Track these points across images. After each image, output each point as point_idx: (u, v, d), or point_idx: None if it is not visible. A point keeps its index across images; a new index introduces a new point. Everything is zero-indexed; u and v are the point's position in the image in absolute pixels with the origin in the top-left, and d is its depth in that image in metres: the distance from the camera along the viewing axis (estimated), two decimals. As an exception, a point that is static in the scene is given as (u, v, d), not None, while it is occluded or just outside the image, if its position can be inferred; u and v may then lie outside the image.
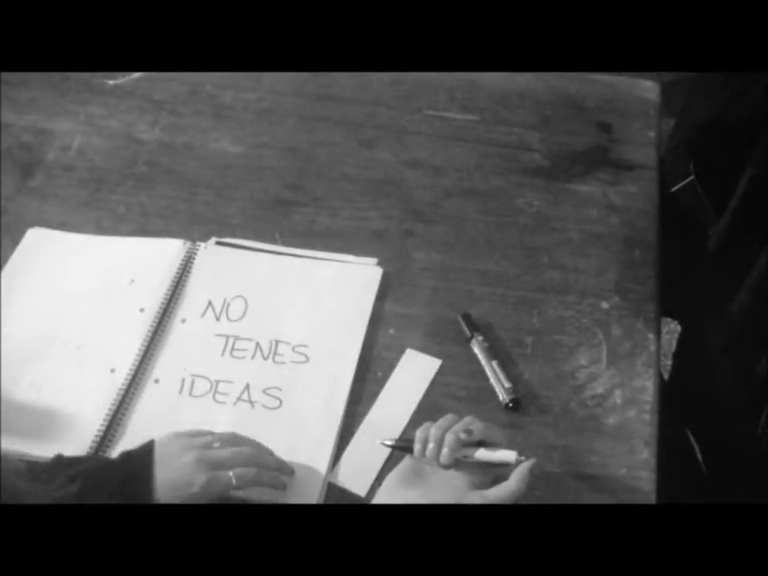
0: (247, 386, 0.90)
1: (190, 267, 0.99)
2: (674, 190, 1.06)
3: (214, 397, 0.89)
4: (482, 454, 0.77)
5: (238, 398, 0.89)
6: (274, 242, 1.02)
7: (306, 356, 0.92)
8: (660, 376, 0.93)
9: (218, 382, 0.90)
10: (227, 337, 0.94)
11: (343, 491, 0.84)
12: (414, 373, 0.91)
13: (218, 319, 0.95)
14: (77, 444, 0.85)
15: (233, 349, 0.93)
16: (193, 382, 0.90)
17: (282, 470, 0.82)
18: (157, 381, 0.90)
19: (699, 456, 1.13)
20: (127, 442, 0.86)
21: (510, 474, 0.75)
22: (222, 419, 0.87)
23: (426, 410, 0.88)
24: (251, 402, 0.89)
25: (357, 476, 0.84)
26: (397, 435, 0.86)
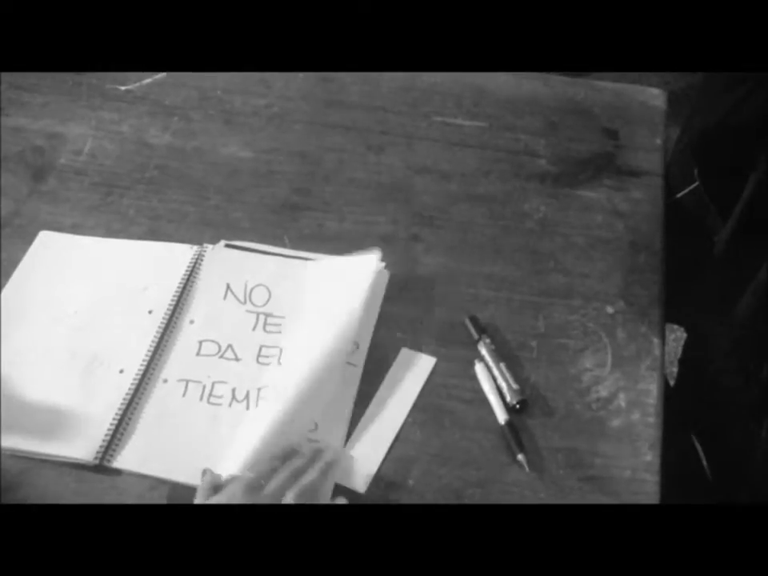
0: (253, 387, 0.91)
1: (198, 269, 1.00)
2: (679, 195, 1.06)
3: (220, 397, 0.90)
4: None
5: (244, 399, 0.90)
6: (282, 245, 1.03)
7: (312, 358, 0.93)
8: (665, 380, 0.94)
9: (223, 383, 0.91)
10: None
11: (342, 489, 0.84)
12: (410, 371, 0.92)
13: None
14: (86, 442, 0.86)
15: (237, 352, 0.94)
16: (199, 382, 0.91)
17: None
18: (165, 381, 0.91)
19: (704, 461, 1.14)
20: (136, 440, 0.87)
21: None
22: (227, 421, 0.88)
23: (432, 412, 0.89)
24: (257, 402, 0.90)
25: (356, 473, 0.85)
26: (393, 433, 0.87)
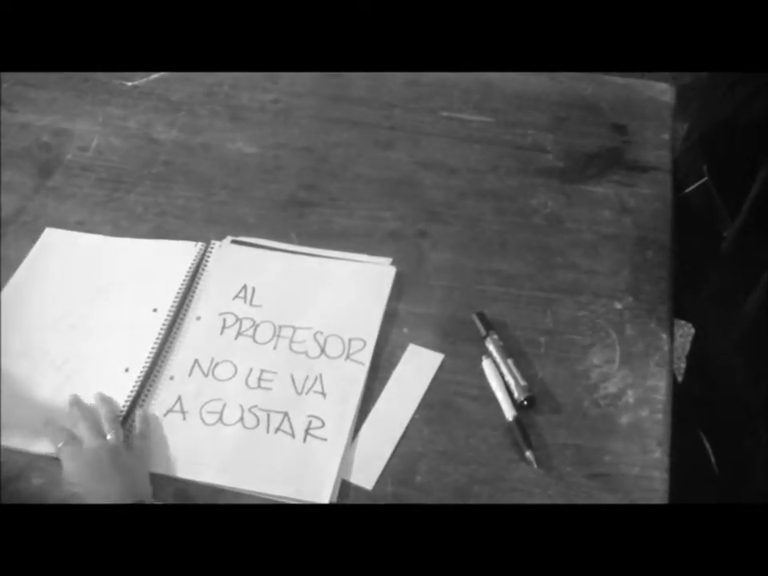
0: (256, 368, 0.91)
1: (205, 265, 1.00)
2: (687, 191, 1.06)
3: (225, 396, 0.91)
4: None
5: (251, 408, 0.90)
6: (289, 241, 1.02)
7: (319, 355, 0.93)
8: (673, 377, 0.93)
9: (231, 373, 0.92)
10: (238, 335, 0.95)
11: (350, 485, 0.84)
12: (417, 367, 0.92)
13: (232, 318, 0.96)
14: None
15: (245, 335, 0.94)
16: (206, 377, 0.91)
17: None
18: (172, 378, 0.91)
19: (712, 458, 1.13)
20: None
21: None
22: (235, 417, 0.88)
23: (439, 409, 0.89)
24: (259, 383, 0.91)
25: (364, 470, 0.85)
26: (400, 430, 0.87)
